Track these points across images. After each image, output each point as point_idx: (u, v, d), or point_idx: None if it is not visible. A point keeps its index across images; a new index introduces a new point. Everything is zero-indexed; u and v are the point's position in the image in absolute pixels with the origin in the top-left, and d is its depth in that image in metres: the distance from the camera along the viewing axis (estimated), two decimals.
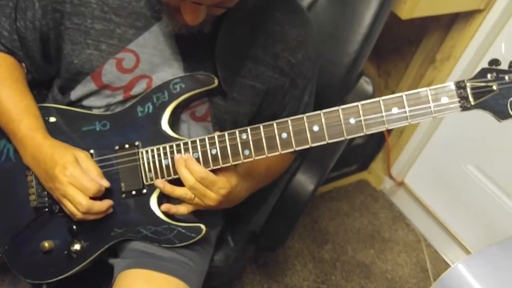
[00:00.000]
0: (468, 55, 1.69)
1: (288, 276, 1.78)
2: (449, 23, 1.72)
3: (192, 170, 0.85)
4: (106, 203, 0.88)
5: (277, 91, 0.97)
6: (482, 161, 1.79)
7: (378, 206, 2.15)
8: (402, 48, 1.96)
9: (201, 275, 1.02)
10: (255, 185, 1.01)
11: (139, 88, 0.92)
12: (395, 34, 1.95)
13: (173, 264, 0.95)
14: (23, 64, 0.97)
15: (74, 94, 0.96)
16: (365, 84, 1.24)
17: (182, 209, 0.91)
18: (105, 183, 0.87)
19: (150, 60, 0.90)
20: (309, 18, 0.98)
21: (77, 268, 0.94)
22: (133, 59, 0.90)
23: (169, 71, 0.91)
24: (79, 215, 0.86)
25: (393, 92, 2.02)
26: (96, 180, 0.86)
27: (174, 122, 0.94)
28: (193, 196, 0.87)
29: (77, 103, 0.97)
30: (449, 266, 1.93)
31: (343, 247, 1.93)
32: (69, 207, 0.86)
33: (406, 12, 1.48)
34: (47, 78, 1.02)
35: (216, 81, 0.89)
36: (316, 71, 1.02)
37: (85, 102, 0.96)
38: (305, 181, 1.11)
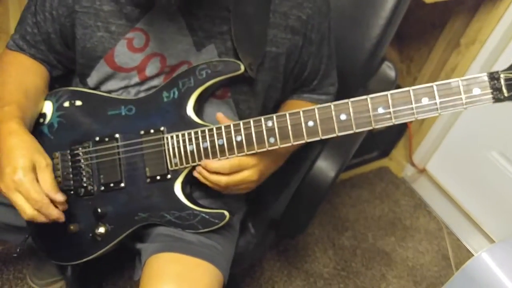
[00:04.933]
0: (494, 39, 1.64)
1: (308, 263, 1.78)
2: (474, 6, 1.68)
3: (215, 168, 0.86)
4: (56, 213, 0.82)
5: (293, 51, 0.96)
6: (507, 148, 1.75)
7: (399, 193, 2.13)
8: (425, 32, 1.92)
9: (228, 259, 1.02)
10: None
11: (153, 67, 0.93)
12: (418, 18, 1.91)
13: (202, 248, 0.95)
14: (45, 66, 1.00)
15: (91, 81, 0.97)
16: (388, 69, 1.22)
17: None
18: (60, 197, 0.82)
19: (160, 37, 0.90)
20: None
21: (102, 251, 0.96)
22: (142, 37, 0.90)
23: (179, 46, 0.91)
24: (24, 217, 0.81)
25: (415, 78, 2.02)
26: (49, 193, 0.80)
27: (199, 108, 0.94)
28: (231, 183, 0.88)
29: (95, 90, 0.98)
30: (472, 254, 1.91)
31: (364, 234, 1.92)
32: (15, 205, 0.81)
33: None
34: (72, 67, 1.03)
35: (242, 67, 0.88)
36: (329, 25, 1.01)
37: (104, 88, 0.97)
38: (326, 168, 1.10)
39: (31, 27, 0.96)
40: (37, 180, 0.80)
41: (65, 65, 1.02)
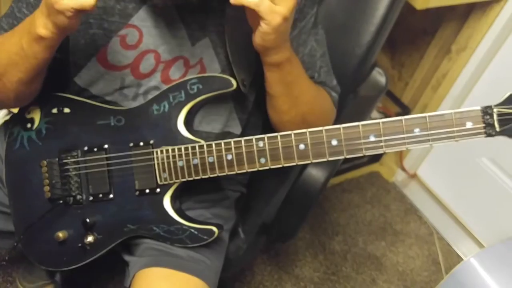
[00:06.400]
0: (484, 46, 1.66)
1: (299, 267, 1.78)
2: (465, 13, 1.69)
3: None
4: None
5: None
6: (497, 154, 1.76)
7: (390, 198, 2.13)
8: (417, 39, 1.94)
9: (217, 272, 1.02)
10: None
11: (147, 64, 0.91)
12: (409, 25, 1.92)
13: (191, 262, 0.95)
14: None
15: (81, 80, 0.95)
16: (378, 75, 1.23)
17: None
18: None
19: (153, 33, 0.89)
20: None
21: (90, 259, 0.95)
22: (136, 34, 0.89)
23: (173, 41, 0.90)
24: None
25: (406, 84, 2.03)
26: None
27: (189, 122, 0.93)
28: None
29: (85, 92, 0.96)
30: (462, 259, 1.92)
31: (354, 239, 1.93)
32: None
33: (421, 2, 1.46)
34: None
35: (235, 84, 0.88)
36: (318, 14, 0.98)
37: (95, 91, 0.95)
38: (316, 173, 1.10)
39: (8, 25, 0.92)
40: None
41: None
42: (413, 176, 2.11)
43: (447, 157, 1.96)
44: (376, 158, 2.20)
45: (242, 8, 0.75)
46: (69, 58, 0.94)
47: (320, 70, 1.01)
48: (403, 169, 2.14)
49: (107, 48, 0.90)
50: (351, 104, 1.21)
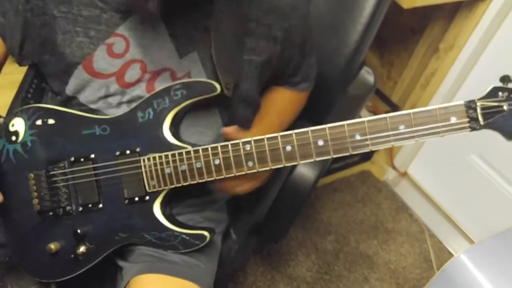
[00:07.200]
0: (471, 44, 1.67)
1: (291, 267, 1.78)
2: (452, 12, 1.71)
3: None
4: None
5: (273, 57, 0.98)
6: (486, 151, 1.78)
7: (381, 196, 2.15)
8: (405, 38, 1.95)
9: (212, 276, 1.02)
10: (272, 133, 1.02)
11: (133, 73, 0.91)
12: (397, 24, 1.93)
13: (185, 267, 0.95)
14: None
15: (69, 89, 0.94)
16: (367, 74, 1.23)
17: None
18: None
19: (140, 44, 0.89)
20: None
21: (83, 269, 0.95)
22: (123, 43, 0.89)
23: (160, 53, 0.90)
24: None
25: (395, 82, 2.04)
26: None
27: (176, 128, 0.93)
28: None
29: (74, 99, 0.95)
30: (453, 256, 1.93)
31: (346, 237, 1.93)
32: None
33: (408, 0, 1.47)
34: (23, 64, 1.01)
35: (219, 88, 0.87)
36: (310, 26, 1.03)
37: (82, 98, 0.94)
38: (306, 172, 1.11)
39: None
40: None
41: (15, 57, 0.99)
42: (404, 175, 2.12)
43: (437, 155, 1.97)
44: (367, 157, 2.21)
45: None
46: (57, 67, 0.94)
47: (305, 73, 1.08)
48: (394, 167, 2.15)
49: (93, 56, 0.90)
50: (340, 103, 1.21)
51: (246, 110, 1.02)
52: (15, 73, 1.01)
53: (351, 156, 2.26)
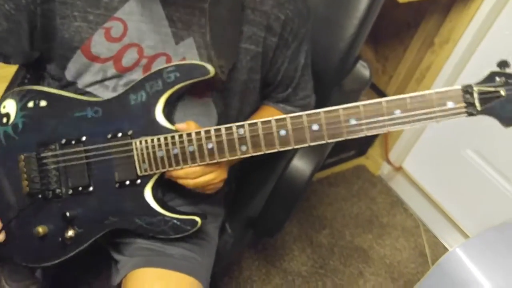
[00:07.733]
0: (467, 38, 1.67)
1: (286, 261, 1.79)
2: (447, 6, 1.70)
3: (182, 175, 0.87)
4: None
5: (268, 51, 0.96)
6: (482, 146, 1.78)
7: (376, 191, 2.15)
8: (400, 32, 1.95)
9: (208, 269, 1.02)
10: None
11: (130, 58, 0.91)
12: (392, 18, 1.93)
13: (182, 261, 0.95)
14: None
15: (69, 74, 0.94)
16: (362, 68, 1.23)
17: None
18: None
19: (138, 28, 0.89)
20: None
21: (71, 254, 0.94)
22: (120, 27, 0.88)
23: (157, 38, 0.90)
24: None
25: (391, 77, 2.04)
26: None
27: (169, 112, 0.92)
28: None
29: (74, 84, 0.95)
30: (448, 250, 1.94)
31: (341, 232, 1.94)
32: None
33: None
34: (26, 63, 1.01)
35: (212, 71, 0.86)
36: (309, 30, 1.01)
37: (81, 83, 0.94)
38: (301, 166, 1.11)
39: None
40: None
41: (18, 59, 0.98)
42: (399, 169, 2.12)
43: (432, 150, 1.97)
44: (362, 151, 2.21)
45: None
46: (57, 52, 0.93)
47: (297, 86, 1.06)
48: (389, 162, 2.15)
49: (91, 40, 0.89)
50: (335, 97, 1.21)
51: (239, 103, 1.01)
52: (4, 66, 1.00)
53: (346, 150, 2.26)
